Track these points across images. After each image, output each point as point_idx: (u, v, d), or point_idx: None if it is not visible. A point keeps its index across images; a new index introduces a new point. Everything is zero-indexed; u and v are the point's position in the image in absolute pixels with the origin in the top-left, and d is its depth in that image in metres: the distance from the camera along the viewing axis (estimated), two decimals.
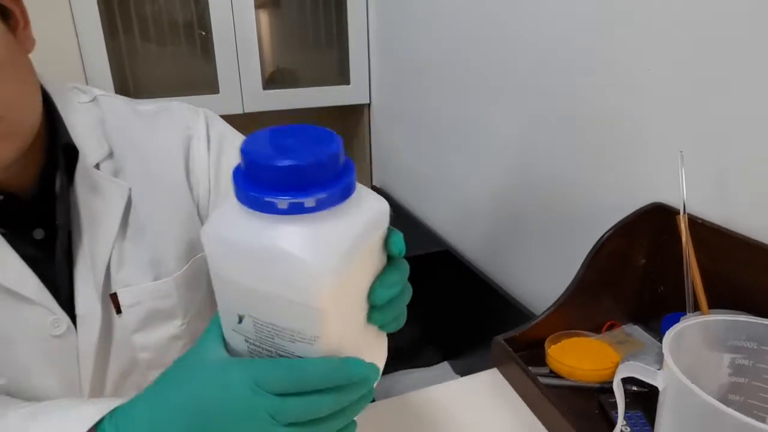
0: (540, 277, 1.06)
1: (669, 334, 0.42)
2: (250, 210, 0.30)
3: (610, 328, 0.77)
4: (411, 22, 1.41)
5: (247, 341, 0.36)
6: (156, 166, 0.63)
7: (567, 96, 0.90)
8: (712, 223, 0.67)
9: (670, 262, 0.69)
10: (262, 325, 0.34)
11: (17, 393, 0.60)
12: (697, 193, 0.68)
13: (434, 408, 0.68)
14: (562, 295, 0.75)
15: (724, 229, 0.65)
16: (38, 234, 0.58)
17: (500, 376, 0.73)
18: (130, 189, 0.61)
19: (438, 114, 1.33)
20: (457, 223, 1.32)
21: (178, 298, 0.65)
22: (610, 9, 0.79)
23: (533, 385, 0.64)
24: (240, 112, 1.60)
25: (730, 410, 0.34)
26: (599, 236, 0.74)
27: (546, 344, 0.72)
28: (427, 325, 0.87)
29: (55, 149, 0.57)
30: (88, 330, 0.60)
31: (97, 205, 0.59)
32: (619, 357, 0.69)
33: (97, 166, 0.59)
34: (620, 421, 0.47)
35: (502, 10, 1.03)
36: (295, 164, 0.29)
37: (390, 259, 0.38)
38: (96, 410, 0.42)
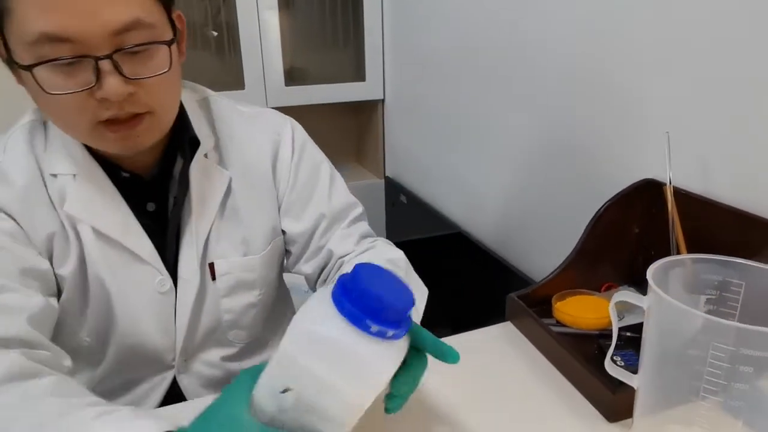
0: (545, 253, 1.17)
1: (653, 267, 0.53)
2: (346, 319, 0.40)
3: (608, 289, 0.89)
4: (424, 20, 1.52)
5: (278, 408, 0.41)
6: (250, 160, 0.75)
7: (569, 83, 1.02)
8: (694, 194, 0.78)
9: (660, 231, 0.81)
10: (303, 402, 0.40)
11: (127, 338, 0.72)
12: (682, 170, 0.79)
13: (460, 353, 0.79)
14: (566, 259, 0.87)
15: (705, 198, 0.77)
16: (151, 207, 0.70)
17: (512, 327, 0.84)
18: (230, 177, 0.73)
19: (449, 107, 1.45)
20: (468, 207, 1.44)
21: (259, 273, 0.78)
22: None
23: (544, 332, 0.76)
24: (263, 107, 1.71)
25: (694, 310, 0.45)
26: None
27: (553, 300, 0.83)
28: (440, 303, 0.97)
29: (177, 139, 0.68)
30: (188, 290, 0.72)
31: (205, 188, 0.71)
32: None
33: (205, 155, 0.71)
34: (614, 337, 0.59)
35: (507, 5, 1.14)
36: (394, 306, 0.41)
37: (415, 351, 0.49)
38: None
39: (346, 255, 0.77)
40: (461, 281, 1.40)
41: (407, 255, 0.81)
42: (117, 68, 0.54)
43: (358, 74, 1.84)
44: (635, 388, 0.57)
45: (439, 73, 1.47)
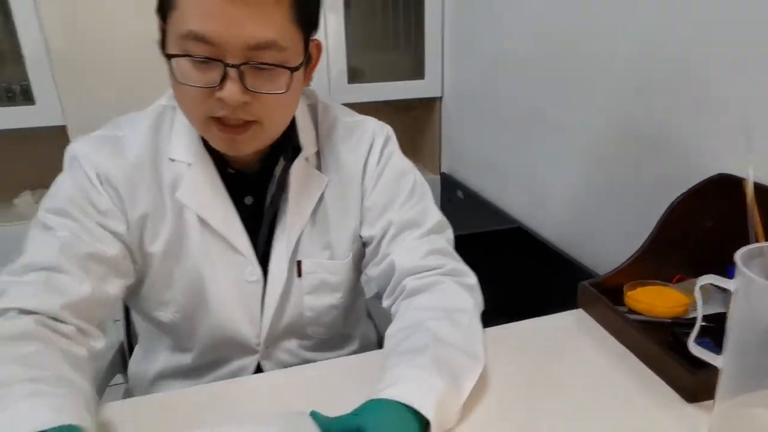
0: (608, 246, 1.19)
1: (740, 251, 0.56)
2: None
3: (680, 281, 0.90)
4: (489, 17, 1.55)
5: None
6: (345, 168, 0.80)
7: (640, 76, 1.03)
8: None
9: (734, 226, 0.81)
10: None
11: (215, 320, 0.78)
12: (762, 165, 0.80)
13: (524, 339, 0.83)
14: (637, 250, 0.89)
15: None
16: (248, 200, 0.77)
17: (583, 314, 0.87)
18: (327, 182, 0.78)
19: (512, 102, 1.48)
20: (528, 201, 1.46)
21: (343, 276, 0.83)
22: None
23: (620, 318, 0.78)
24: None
25: None
26: (663, 211, 0.87)
27: (624, 289, 0.86)
28: (498, 296, 1.00)
29: (283, 142, 0.73)
30: (276, 283, 0.78)
31: (302, 190, 0.77)
32: (689, 299, 0.82)
33: (306, 159, 0.76)
34: (699, 318, 0.62)
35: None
36: None
37: None
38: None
39: (408, 270, 0.77)
40: (520, 275, 1.42)
41: (464, 249, 0.81)
42: (240, 78, 0.61)
43: (418, 72, 1.88)
44: (719, 368, 0.60)
45: (503, 69, 1.50)
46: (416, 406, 0.56)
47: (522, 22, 1.38)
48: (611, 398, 0.68)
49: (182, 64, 0.61)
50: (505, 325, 0.83)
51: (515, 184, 1.52)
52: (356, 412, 0.57)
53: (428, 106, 1.99)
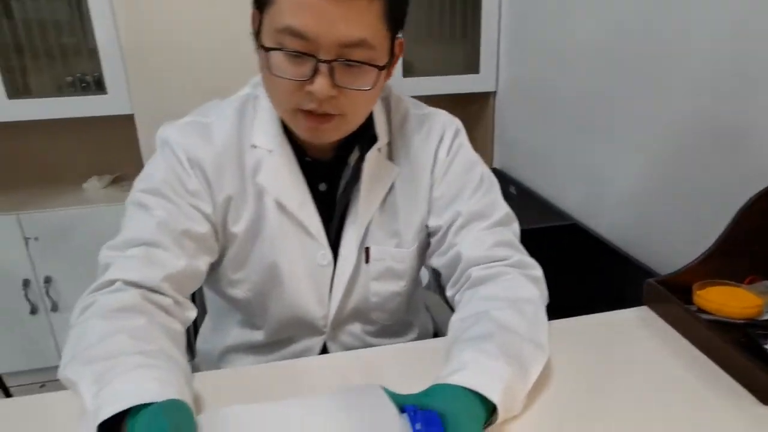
0: (671, 245, 1.16)
1: None
2: None
3: (752, 282, 0.87)
4: (549, 9, 1.53)
5: None
6: (415, 159, 0.81)
7: (713, 69, 1.00)
8: None
9: None
10: None
11: (286, 299, 0.81)
12: None
13: (588, 333, 0.82)
14: (708, 249, 0.86)
15: None
16: (322, 187, 0.79)
17: (648, 311, 0.85)
18: (399, 173, 0.80)
19: (572, 96, 1.45)
20: (586, 198, 1.44)
21: (409, 264, 0.85)
22: None
23: (690, 317, 0.77)
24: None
25: None
26: (732, 210, 0.84)
27: (693, 288, 0.84)
28: (554, 294, 0.99)
29: (359, 133, 0.75)
30: (345, 267, 0.81)
31: (374, 179, 0.79)
32: (762, 300, 0.79)
33: (379, 150, 0.78)
34: None
35: None
36: None
37: None
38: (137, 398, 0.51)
39: (475, 260, 0.78)
40: (576, 273, 1.40)
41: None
42: (330, 73, 0.63)
43: (472, 66, 1.88)
44: None
45: (563, 62, 1.48)
46: (484, 391, 0.57)
47: (588, 12, 1.35)
48: (680, 396, 0.67)
49: (276, 57, 0.64)
50: (567, 319, 0.83)
51: (571, 181, 1.50)
52: (425, 394, 0.58)
53: (482, 100, 1.98)
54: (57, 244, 1.75)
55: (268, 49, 0.64)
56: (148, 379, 0.53)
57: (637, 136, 1.23)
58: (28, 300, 1.79)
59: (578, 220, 1.45)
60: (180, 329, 0.68)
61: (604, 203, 1.36)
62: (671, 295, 0.81)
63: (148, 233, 0.69)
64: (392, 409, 0.51)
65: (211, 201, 0.74)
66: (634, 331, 0.82)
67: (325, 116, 0.67)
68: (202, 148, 0.74)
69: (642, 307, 0.87)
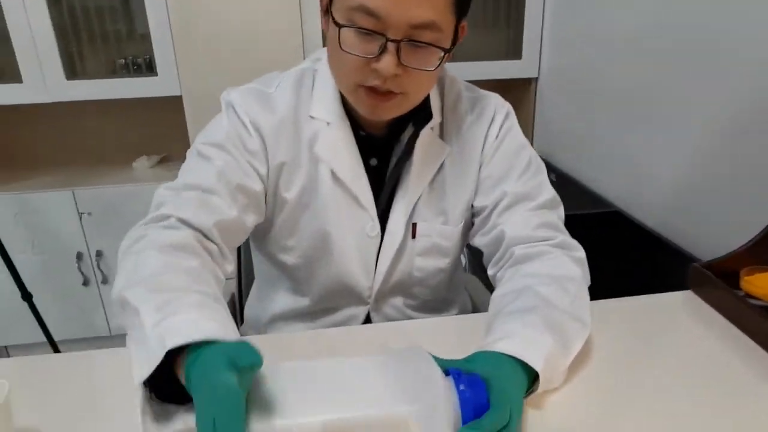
0: (715, 232, 1.14)
1: None
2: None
3: None
4: None
5: None
6: (465, 140, 0.83)
7: (755, 67, 0.97)
8: None
9: None
10: None
11: (334, 268, 0.84)
12: None
13: (630, 314, 0.82)
14: (756, 235, 0.85)
15: None
16: (373, 162, 0.81)
17: (692, 296, 0.85)
18: (449, 152, 0.82)
19: (617, 83, 1.43)
20: (628, 186, 1.42)
21: (454, 243, 0.86)
22: None
23: (738, 302, 0.76)
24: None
25: None
26: None
27: (741, 273, 0.83)
28: (595, 280, 0.99)
29: (414, 110, 0.77)
30: (392, 241, 0.83)
31: (426, 156, 0.80)
32: None
33: (431, 128, 0.80)
34: None
35: None
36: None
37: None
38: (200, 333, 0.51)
39: (518, 240, 0.78)
40: (617, 259, 1.39)
41: None
42: (398, 52, 0.65)
43: (515, 52, 1.86)
44: None
45: (609, 48, 1.46)
46: (527, 359, 0.58)
47: (629, 2, 1.33)
48: (726, 381, 0.67)
49: (346, 33, 0.67)
50: (610, 300, 0.83)
51: (612, 168, 1.48)
52: (468, 360, 0.60)
53: (523, 86, 1.96)
54: (108, 220, 1.83)
55: (339, 25, 0.66)
56: (209, 319, 0.54)
57: (680, 124, 1.20)
58: (81, 272, 1.88)
59: (620, 208, 1.43)
60: (223, 279, 0.70)
61: (646, 191, 1.34)
62: (718, 280, 0.80)
63: (206, 180, 0.72)
64: (437, 370, 0.53)
65: (267, 164, 0.77)
66: (677, 314, 0.82)
67: (387, 94, 0.69)
68: (262, 114, 0.77)
69: (686, 291, 0.86)
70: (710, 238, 1.15)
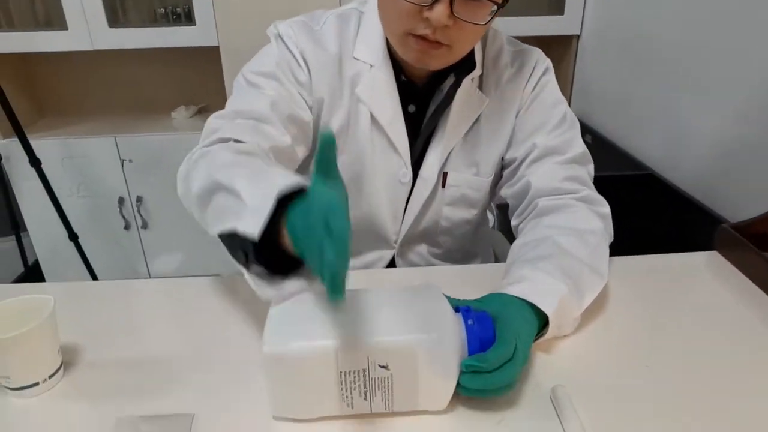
0: (753, 198, 1.10)
1: None
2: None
3: None
4: None
5: None
6: (504, 92, 0.82)
7: None
8: None
9: None
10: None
11: (363, 209, 0.85)
12: None
13: (652, 272, 0.82)
14: None
15: None
16: (411, 108, 0.82)
17: (717, 256, 0.83)
18: (487, 104, 0.81)
19: (662, 43, 1.37)
20: (664, 148, 1.38)
21: (483, 194, 0.87)
22: None
23: (765, 263, 0.74)
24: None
25: None
26: None
27: None
28: (626, 240, 0.98)
29: (457, 62, 0.76)
30: (423, 188, 0.84)
31: (464, 107, 0.81)
32: None
33: (472, 80, 0.80)
34: None
35: None
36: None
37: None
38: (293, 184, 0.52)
39: (543, 191, 0.78)
40: (649, 222, 1.36)
41: None
42: (451, 3, 0.65)
43: (557, 7, 1.79)
44: None
45: (653, 8, 1.39)
46: (538, 303, 0.59)
47: None
48: (744, 340, 0.66)
49: None
50: (634, 257, 0.83)
51: (651, 130, 1.43)
52: (479, 300, 0.62)
53: (564, 43, 1.90)
54: (148, 168, 1.90)
55: None
56: (299, 178, 0.54)
57: (725, 86, 1.15)
58: (123, 216, 1.97)
59: (654, 171, 1.39)
60: None
61: (683, 154, 1.30)
62: (746, 241, 0.79)
63: (258, 108, 0.73)
64: (448, 306, 0.55)
65: (312, 97, 0.79)
66: (701, 274, 0.81)
67: (435, 44, 0.69)
68: (310, 47, 0.78)
69: (711, 252, 0.85)
70: (745, 203, 1.12)
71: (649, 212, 1.37)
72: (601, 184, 0.90)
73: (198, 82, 2.10)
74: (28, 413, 0.57)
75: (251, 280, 0.55)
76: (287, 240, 0.51)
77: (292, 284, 0.55)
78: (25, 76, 2.05)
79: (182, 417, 0.55)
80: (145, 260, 2.08)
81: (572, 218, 0.75)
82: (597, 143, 1.68)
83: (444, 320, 0.54)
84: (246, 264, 0.56)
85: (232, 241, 0.56)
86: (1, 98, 1.49)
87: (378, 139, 0.81)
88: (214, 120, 0.74)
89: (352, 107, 0.80)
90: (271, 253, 0.54)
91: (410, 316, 0.54)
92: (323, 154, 0.48)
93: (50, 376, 0.59)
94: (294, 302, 0.57)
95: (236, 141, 0.69)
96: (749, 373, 0.61)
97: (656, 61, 1.40)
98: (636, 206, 1.38)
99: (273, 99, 0.74)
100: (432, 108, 0.81)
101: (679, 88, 1.31)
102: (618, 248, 0.80)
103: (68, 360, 0.63)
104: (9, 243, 1.81)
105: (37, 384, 0.58)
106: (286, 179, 0.53)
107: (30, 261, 1.92)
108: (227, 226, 0.55)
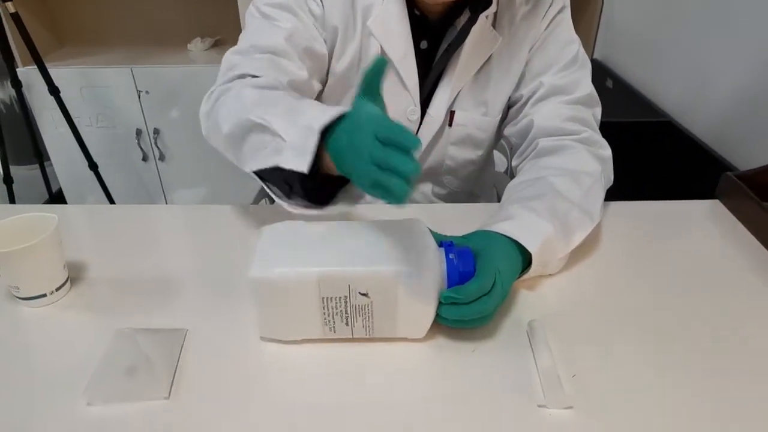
0: None
1: None
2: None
3: None
4: None
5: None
6: (518, 31, 0.79)
7: None
8: None
9: None
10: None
11: None
12: None
13: (647, 218, 0.81)
14: None
15: None
16: (423, 45, 0.80)
17: (719, 205, 0.82)
18: (500, 41, 0.79)
19: None
20: (687, 97, 1.33)
21: (489, 134, 0.86)
22: None
23: (764, 214, 0.73)
24: None
25: None
26: None
27: None
28: (635, 187, 0.97)
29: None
30: (429, 127, 0.83)
31: (477, 45, 0.78)
32: None
33: (486, 17, 0.77)
34: None
35: None
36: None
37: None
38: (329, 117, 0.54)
39: (545, 131, 0.77)
40: (664, 170, 1.34)
41: (605, 136, 0.78)
42: None
43: None
44: None
45: None
46: (521, 240, 0.60)
47: None
48: (735, 291, 0.66)
49: None
50: (630, 202, 0.82)
51: (674, 76, 1.38)
52: (465, 237, 0.63)
53: None
54: (165, 100, 1.91)
55: None
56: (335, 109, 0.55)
57: (752, 33, 1.09)
58: (141, 148, 2.01)
59: (673, 118, 1.35)
60: None
61: (704, 102, 1.25)
62: (747, 190, 0.77)
63: (274, 42, 0.72)
64: (431, 240, 0.57)
65: (325, 29, 0.77)
66: (699, 222, 0.80)
67: None
68: None
69: (713, 200, 0.84)
70: (764, 154, 1.09)
71: (665, 160, 1.34)
72: (618, 130, 0.88)
73: (214, 14, 2.07)
74: (36, 322, 0.61)
75: (293, 209, 0.59)
76: (328, 166, 0.54)
77: (334, 209, 0.59)
78: (43, 4, 2.04)
79: (176, 332, 0.59)
80: (164, 192, 2.13)
81: (569, 159, 0.74)
82: (618, 88, 1.62)
83: (425, 253, 0.55)
84: (288, 195, 0.59)
85: (270, 175, 0.59)
86: (20, 26, 1.50)
87: (388, 75, 0.79)
88: (231, 56, 0.74)
89: (364, 40, 0.78)
90: (309, 184, 0.57)
91: (393, 247, 0.56)
92: (372, 77, 0.50)
93: (57, 289, 0.63)
94: (284, 227, 0.59)
95: (253, 77, 0.69)
96: (733, 322, 0.61)
97: (685, 2, 1.33)
98: (652, 154, 1.35)
99: (289, 32, 0.73)
100: (444, 45, 0.79)
101: (707, 32, 1.25)
102: (628, 195, 0.80)
103: (76, 276, 0.67)
104: (34, 171, 1.87)
105: (44, 295, 0.62)
106: (324, 113, 0.55)
107: (54, 189, 1.99)
108: (268, 162, 0.58)
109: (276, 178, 0.60)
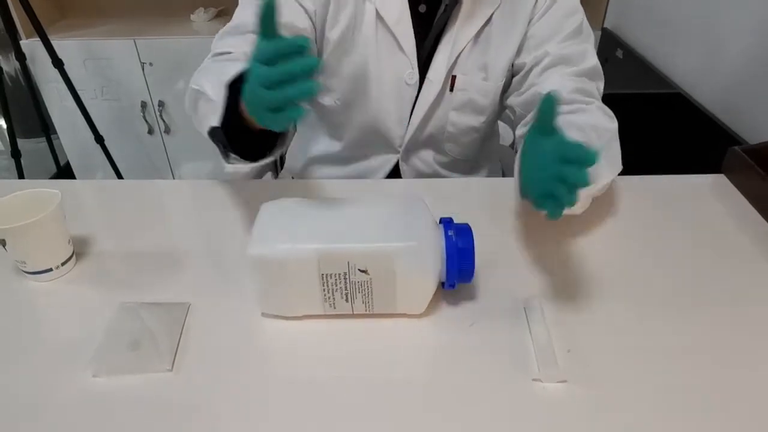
0: None
1: None
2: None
3: None
4: None
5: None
6: None
7: None
8: None
9: None
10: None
11: (369, 112, 0.84)
12: None
13: (652, 192, 0.81)
14: None
15: None
16: (422, 8, 0.79)
17: (724, 180, 0.81)
18: (499, 5, 0.78)
19: None
20: (698, 69, 1.30)
21: (491, 100, 0.85)
22: None
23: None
24: None
25: None
26: None
27: None
28: (643, 160, 0.95)
29: None
30: (429, 91, 0.82)
31: (475, 8, 0.77)
32: None
33: None
34: None
35: None
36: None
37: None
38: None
39: None
40: (672, 143, 1.32)
41: (613, 109, 0.76)
42: None
43: None
44: None
45: None
46: None
47: None
48: (737, 266, 0.66)
49: None
50: (635, 176, 0.81)
51: (686, 47, 1.34)
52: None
53: None
54: (169, 71, 1.90)
55: None
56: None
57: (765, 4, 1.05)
58: (146, 121, 2.01)
59: (683, 90, 1.33)
60: None
61: (716, 74, 1.22)
62: (753, 164, 0.76)
63: (251, 20, 0.74)
64: (429, 216, 0.57)
65: (314, 1, 0.77)
66: (703, 196, 0.80)
67: None
68: None
69: (718, 175, 0.83)
70: None
71: (674, 133, 1.32)
72: (627, 102, 0.87)
73: None
74: (43, 295, 0.63)
75: (230, 167, 0.62)
76: (250, 118, 0.55)
77: (267, 159, 0.61)
78: None
79: (179, 306, 0.60)
80: (170, 165, 2.13)
81: (585, 117, 0.72)
82: (628, 59, 1.59)
83: (424, 230, 0.55)
84: (226, 157, 0.61)
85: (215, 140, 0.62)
86: None
87: (384, 38, 0.79)
88: (216, 37, 0.78)
89: (357, 5, 0.77)
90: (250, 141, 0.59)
91: (392, 224, 0.56)
92: (264, 18, 0.50)
93: (62, 264, 0.64)
94: (283, 204, 0.59)
95: (227, 53, 0.72)
96: (734, 298, 0.61)
97: None
98: (661, 126, 1.33)
99: None
100: (443, 6, 0.78)
101: (719, 2, 1.21)
102: (636, 169, 0.79)
103: (82, 251, 0.68)
104: (41, 144, 1.88)
105: (50, 270, 0.63)
106: (236, 67, 0.58)
107: (62, 162, 2.00)
108: (204, 125, 0.62)
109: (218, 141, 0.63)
